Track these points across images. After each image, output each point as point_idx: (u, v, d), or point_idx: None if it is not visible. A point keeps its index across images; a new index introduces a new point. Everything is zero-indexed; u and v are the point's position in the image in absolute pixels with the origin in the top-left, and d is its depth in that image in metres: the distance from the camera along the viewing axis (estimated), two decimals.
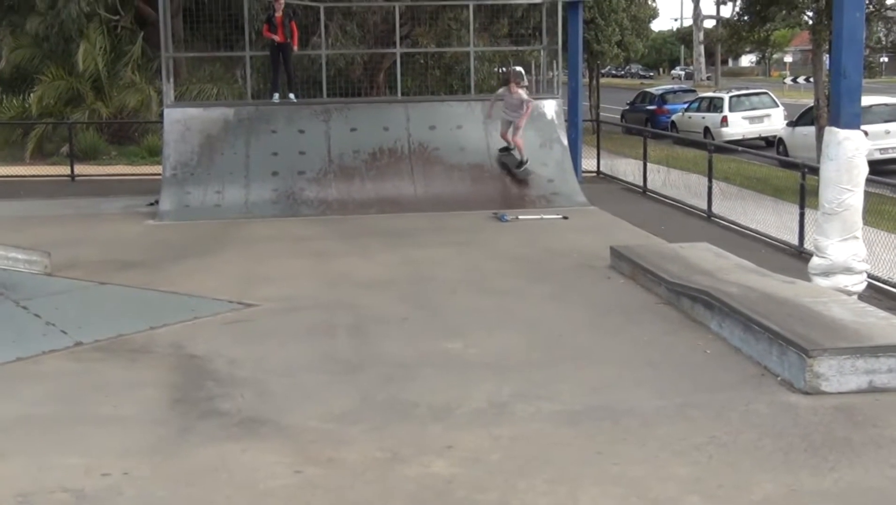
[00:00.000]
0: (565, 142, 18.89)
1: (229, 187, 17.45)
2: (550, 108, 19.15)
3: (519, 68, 21.08)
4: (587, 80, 37.72)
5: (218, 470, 6.42)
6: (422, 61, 27.04)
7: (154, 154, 24.90)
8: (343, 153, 18.07)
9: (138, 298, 11.20)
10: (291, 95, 18.86)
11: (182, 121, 18.23)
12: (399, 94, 20.02)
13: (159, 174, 18.45)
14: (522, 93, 17.99)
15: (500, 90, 18.38)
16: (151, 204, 17.66)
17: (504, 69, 27.27)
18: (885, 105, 25.75)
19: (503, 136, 18.11)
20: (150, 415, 7.48)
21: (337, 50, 24.43)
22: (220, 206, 17.12)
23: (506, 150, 18.17)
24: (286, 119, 18.45)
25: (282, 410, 7.54)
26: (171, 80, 19.37)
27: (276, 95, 18.79)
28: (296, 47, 18.93)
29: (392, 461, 6.55)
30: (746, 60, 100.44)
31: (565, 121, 19.95)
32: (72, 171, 23.27)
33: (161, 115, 19.96)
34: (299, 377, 8.35)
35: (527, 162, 17.92)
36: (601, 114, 34.93)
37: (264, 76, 21.65)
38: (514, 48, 27.94)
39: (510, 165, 18.07)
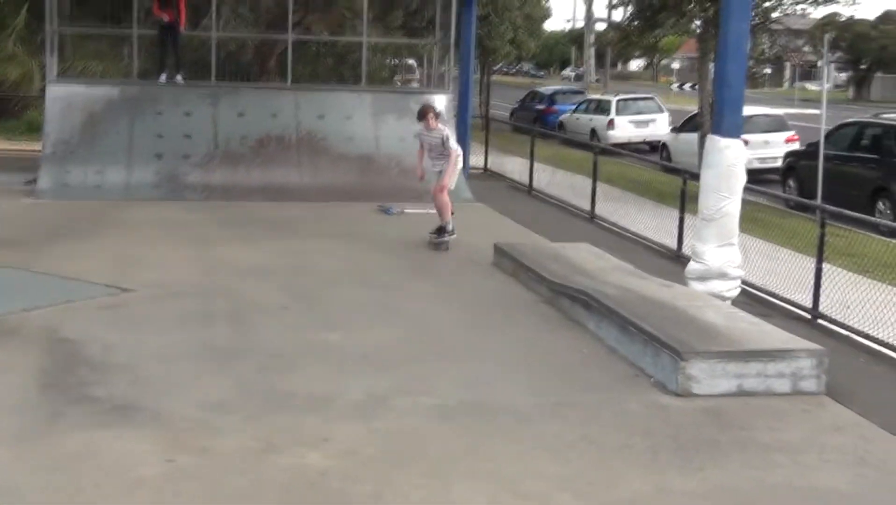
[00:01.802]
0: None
1: (111, 168, 17.08)
2: (440, 102, 19.17)
3: (430, 100, 17.07)
4: (478, 76, 37.90)
5: (86, 457, 6.30)
6: (314, 49, 26.85)
7: (34, 130, 24.20)
8: (230, 138, 17.83)
9: (11, 279, 10.92)
10: (179, 77, 18.55)
11: (65, 97, 17.78)
12: (289, 81, 19.83)
13: (39, 151, 17.97)
14: (444, 129, 13.74)
15: (418, 127, 13.90)
16: (29, 182, 17.18)
17: (398, 62, 27.15)
18: (766, 116, 26.45)
19: (434, 193, 13.60)
20: (18, 400, 7.29)
21: (228, 33, 24.12)
22: (101, 187, 16.75)
23: (438, 232, 13.48)
24: (172, 101, 18.13)
25: (157, 397, 7.42)
26: (56, 54, 18.87)
27: (164, 76, 18.47)
28: (182, 27, 18.61)
29: (266, 452, 6.50)
30: (635, 65, 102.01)
31: (454, 116, 20.01)
32: None
33: (43, 90, 19.44)
34: (175, 365, 8.24)
35: (452, 232, 13.44)
36: (491, 111, 35.13)
37: (152, 55, 21.23)
38: (408, 41, 27.93)
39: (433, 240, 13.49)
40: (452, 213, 13.56)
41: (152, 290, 10.61)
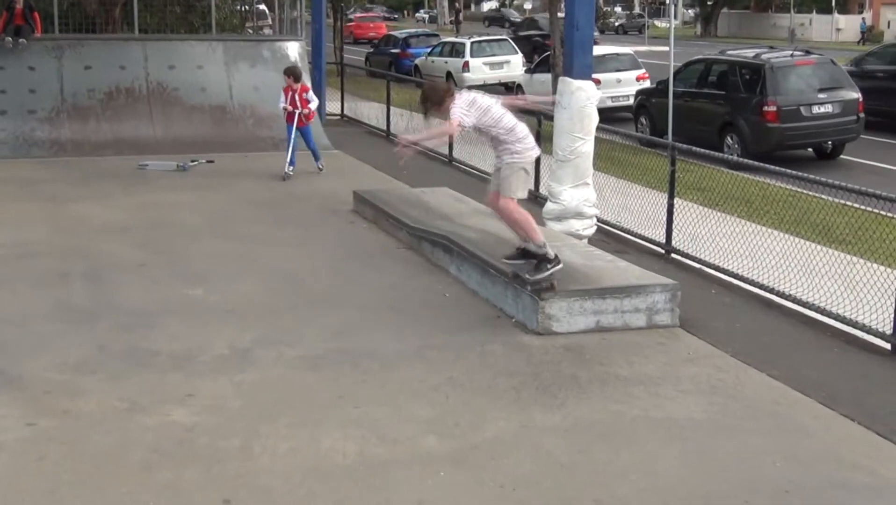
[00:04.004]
0: (308, 84, 18.75)
1: None
2: (294, 49, 18.97)
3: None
4: (331, 21, 37.51)
5: None
6: None
7: None
8: (77, 92, 17.33)
9: None
10: (22, 41, 17.64)
11: None
12: (136, 31, 19.31)
13: None
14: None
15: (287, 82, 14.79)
16: None
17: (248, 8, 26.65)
18: (617, 55, 26.83)
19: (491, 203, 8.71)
20: None
21: None
22: None
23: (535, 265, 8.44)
24: (15, 55, 17.49)
25: (13, 360, 7.26)
26: None
27: (9, 39, 17.61)
28: (38, 34, 17.73)
29: (130, 411, 6.45)
30: (487, 7, 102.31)
31: (309, 63, 19.80)
32: None
33: None
34: (32, 326, 8.06)
35: (556, 261, 8.32)
36: (346, 56, 34.86)
37: None
38: None
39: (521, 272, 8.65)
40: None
41: (5, 250, 10.33)
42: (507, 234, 9.83)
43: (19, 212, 12.19)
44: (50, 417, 6.33)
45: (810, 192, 9.83)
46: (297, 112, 14.64)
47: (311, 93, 15.16)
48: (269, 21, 29.05)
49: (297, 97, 14.69)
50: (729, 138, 18.53)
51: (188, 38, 20.30)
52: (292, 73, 14.98)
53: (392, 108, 19.66)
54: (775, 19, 66.82)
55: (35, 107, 17.04)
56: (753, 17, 70.66)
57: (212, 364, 7.30)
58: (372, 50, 42.37)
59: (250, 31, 25.99)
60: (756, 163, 10.57)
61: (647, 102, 21.57)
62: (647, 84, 24.41)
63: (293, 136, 14.66)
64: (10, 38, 17.41)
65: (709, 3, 70.02)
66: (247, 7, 27.00)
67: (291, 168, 14.65)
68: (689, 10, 78.94)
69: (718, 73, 19.90)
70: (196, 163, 15.43)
